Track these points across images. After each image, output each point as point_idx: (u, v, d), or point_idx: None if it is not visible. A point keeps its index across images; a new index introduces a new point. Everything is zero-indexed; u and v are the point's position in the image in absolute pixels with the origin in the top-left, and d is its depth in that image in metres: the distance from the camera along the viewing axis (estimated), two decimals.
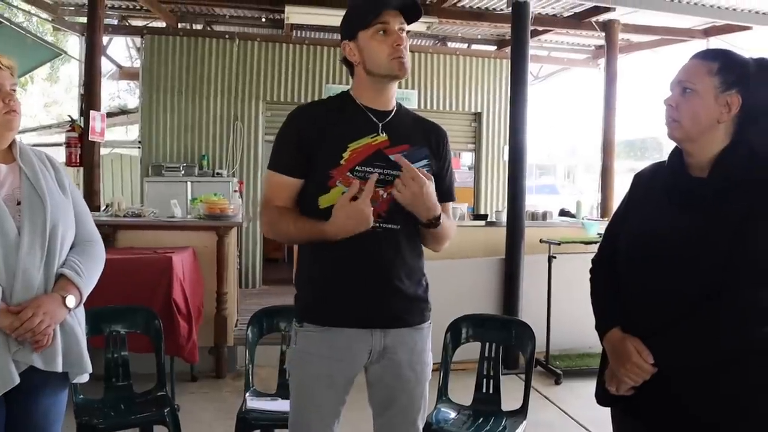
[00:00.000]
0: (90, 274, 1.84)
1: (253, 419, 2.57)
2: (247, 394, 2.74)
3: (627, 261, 1.58)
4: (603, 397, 1.65)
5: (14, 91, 1.76)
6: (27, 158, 1.80)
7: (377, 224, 1.71)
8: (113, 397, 2.75)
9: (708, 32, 6.68)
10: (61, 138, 8.96)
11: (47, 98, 18.46)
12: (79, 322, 1.84)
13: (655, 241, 1.51)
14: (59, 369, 1.74)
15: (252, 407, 2.64)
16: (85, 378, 1.88)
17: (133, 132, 11.87)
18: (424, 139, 1.83)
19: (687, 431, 1.47)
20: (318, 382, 1.76)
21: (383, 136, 1.75)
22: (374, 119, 1.77)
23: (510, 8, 4.74)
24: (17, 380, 1.66)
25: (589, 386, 4.48)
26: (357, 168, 1.71)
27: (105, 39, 7.05)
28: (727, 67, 1.48)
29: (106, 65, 7.52)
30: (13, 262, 1.65)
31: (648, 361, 1.46)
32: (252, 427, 2.58)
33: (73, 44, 10.82)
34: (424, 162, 1.80)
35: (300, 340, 1.78)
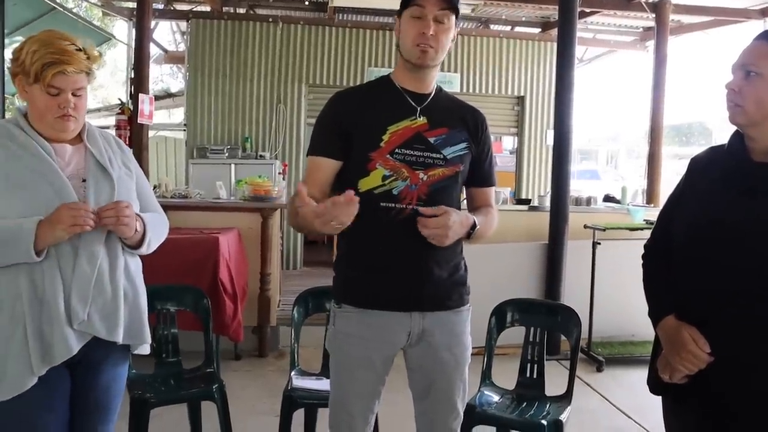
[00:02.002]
0: (155, 223, 1.87)
1: (299, 398, 2.62)
2: (293, 373, 2.78)
3: (684, 247, 1.54)
4: (655, 385, 1.62)
5: (79, 95, 1.73)
6: (93, 139, 1.83)
7: (417, 206, 1.71)
8: (164, 372, 2.83)
9: (765, 12, 6.43)
10: (107, 121, 9.21)
11: (93, 82, 18.88)
12: (142, 293, 1.89)
13: (714, 227, 1.47)
14: (120, 340, 1.78)
15: (297, 386, 2.69)
16: (146, 349, 1.92)
17: (175, 115, 12.10)
18: (462, 122, 1.82)
19: (742, 421, 1.44)
20: (356, 362, 1.77)
21: (422, 120, 1.75)
22: (412, 102, 1.76)
23: None
24: (75, 350, 1.70)
25: (632, 374, 4.47)
26: (397, 151, 1.71)
27: (152, 23, 7.17)
28: None
29: (151, 49, 7.66)
30: (76, 237, 1.68)
31: (704, 350, 1.43)
32: (297, 405, 2.63)
33: (119, 28, 11.07)
34: (464, 145, 1.80)
35: (338, 321, 1.79)
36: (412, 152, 1.71)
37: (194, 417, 2.85)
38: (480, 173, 1.87)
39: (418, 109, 1.76)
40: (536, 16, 7.80)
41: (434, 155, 1.73)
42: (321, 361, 2.90)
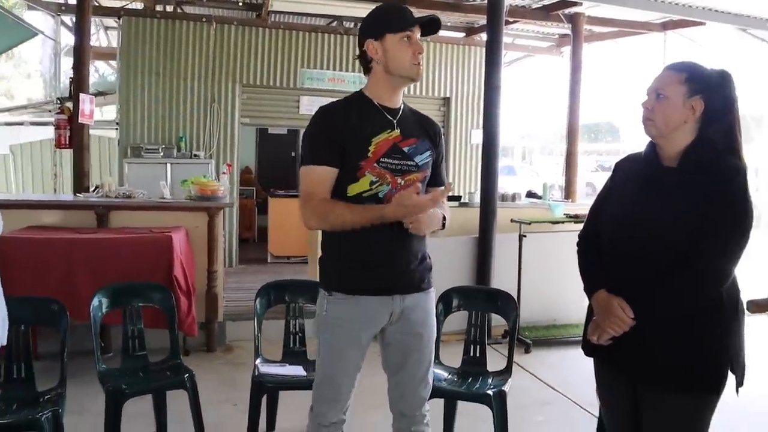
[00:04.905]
0: None
1: (267, 382, 2.86)
2: (257, 361, 2.99)
3: (610, 237, 1.90)
4: (587, 347, 1.98)
5: None
6: None
7: None
8: (131, 366, 2.97)
9: (665, 26, 7.14)
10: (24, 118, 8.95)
11: None
12: None
13: (633, 220, 1.83)
14: None
15: (264, 372, 2.91)
16: None
17: (106, 113, 11.76)
18: (426, 133, 2.13)
19: (656, 372, 1.81)
20: (347, 343, 2.03)
21: (397, 131, 2.03)
22: (389, 117, 2.04)
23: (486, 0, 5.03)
24: None
25: (555, 354, 4.90)
26: (381, 159, 1.98)
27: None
28: (693, 77, 1.81)
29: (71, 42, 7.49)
30: None
31: (629, 315, 1.78)
32: (266, 389, 2.87)
33: (33, 20, 10.63)
34: (428, 153, 2.10)
35: (330, 307, 2.04)
36: (392, 161, 1.99)
37: (159, 407, 3.01)
38: (437, 175, 2.19)
39: (394, 122, 2.04)
40: (461, 21, 8.20)
41: (409, 163, 2.03)
42: (282, 350, 3.14)
